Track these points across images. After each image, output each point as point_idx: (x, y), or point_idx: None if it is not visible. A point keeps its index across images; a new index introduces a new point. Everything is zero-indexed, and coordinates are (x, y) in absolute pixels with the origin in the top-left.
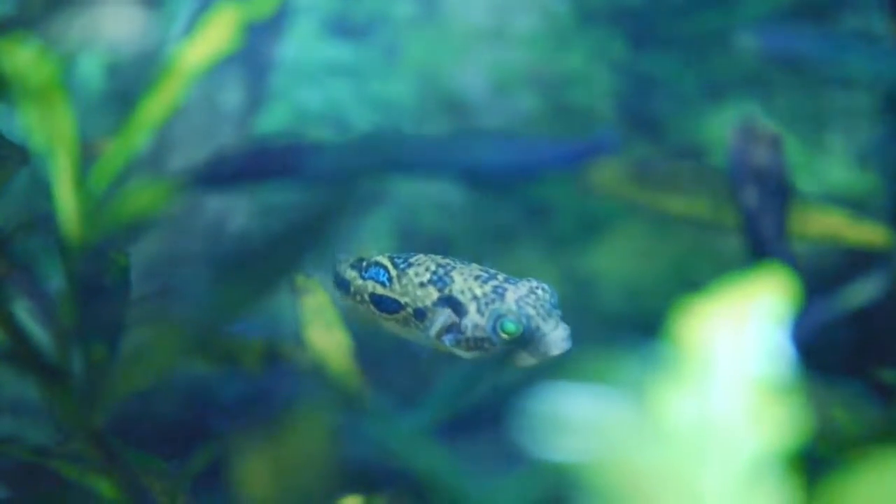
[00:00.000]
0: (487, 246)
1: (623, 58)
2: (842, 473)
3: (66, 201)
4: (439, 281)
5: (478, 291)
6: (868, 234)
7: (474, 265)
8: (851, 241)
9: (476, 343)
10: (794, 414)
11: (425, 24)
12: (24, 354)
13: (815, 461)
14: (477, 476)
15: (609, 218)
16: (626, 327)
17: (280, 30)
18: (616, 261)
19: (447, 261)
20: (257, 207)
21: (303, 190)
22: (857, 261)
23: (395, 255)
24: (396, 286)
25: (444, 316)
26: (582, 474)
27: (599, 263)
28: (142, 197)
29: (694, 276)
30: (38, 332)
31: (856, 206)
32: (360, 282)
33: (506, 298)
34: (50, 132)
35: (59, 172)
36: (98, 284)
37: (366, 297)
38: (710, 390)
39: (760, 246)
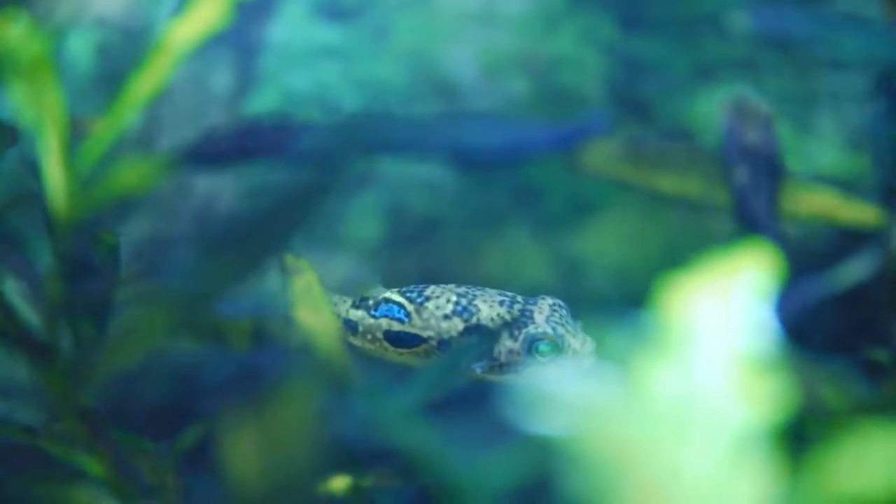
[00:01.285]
0: (477, 228)
1: (613, 40)
2: (827, 448)
3: (55, 179)
4: (464, 311)
5: (507, 317)
6: (859, 213)
7: (488, 289)
8: (842, 220)
9: (509, 367)
10: (779, 389)
11: (415, 6)
12: (12, 333)
13: (800, 436)
14: (464, 452)
15: (599, 200)
16: (616, 309)
17: (270, 12)
18: (606, 243)
19: (464, 289)
20: (246, 189)
21: (291, 170)
22: (849, 240)
23: (404, 290)
24: (417, 321)
25: None
26: (568, 449)
27: (590, 245)
28: (130, 175)
29: (685, 257)
30: (27, 310)
31: (847, 187)
32: (370, 321)
33: (536, 321)
34: (39, 109)
35: (47, 150)
36: (87, 263)
37: (379, 335)
38: (694, 366)
39: (751, 225)
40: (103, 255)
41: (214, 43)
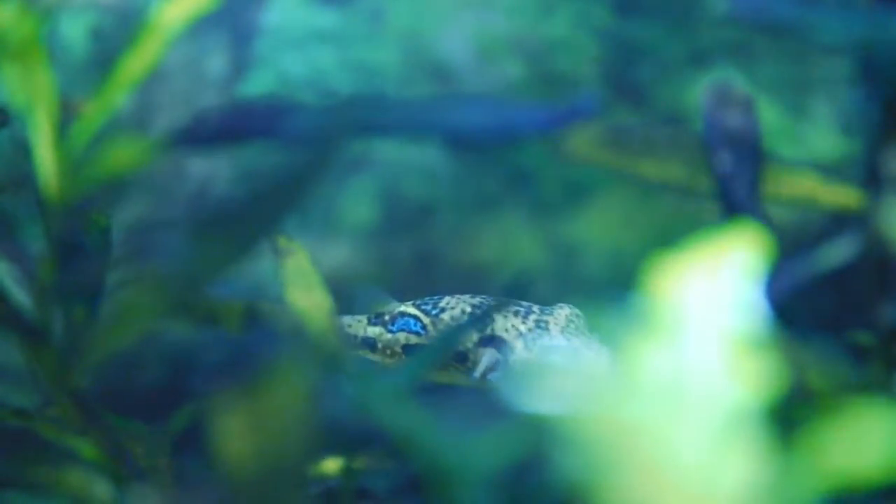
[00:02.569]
0: (472, 212)
1: (607, 25)
2: (816, 427)
3: (46, 161)
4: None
5: (522, 328)
6: (842, 196)
7: (503, 299)
8: (825, 204)
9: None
10: (767, 368)
11: None
12: (4, 316)
13: (789, 415)
14: (455, 433)
15: (594, 185)
16: (609, 292)
17: None
18: (600, 228)
19: (479, 300)
20: (240, 173)
21: (284, 152)
22: (835, 222)
23: (419, 302)
24: (433, 333)
25: (489, 356)
26: (559, 428)
27: (583, 230)
28: (121, 156)
29: (678, 239)
30: (19, 293)
31: (836, 170)
32: (388, 336)
33: (551, 332)
34: (29, 91)
35: (38, 132)
36: (79, 246)
37: (398, 349)
38: (684, 345)
39: (734, 210)
40: (95, 237)
41: (209, 26)
